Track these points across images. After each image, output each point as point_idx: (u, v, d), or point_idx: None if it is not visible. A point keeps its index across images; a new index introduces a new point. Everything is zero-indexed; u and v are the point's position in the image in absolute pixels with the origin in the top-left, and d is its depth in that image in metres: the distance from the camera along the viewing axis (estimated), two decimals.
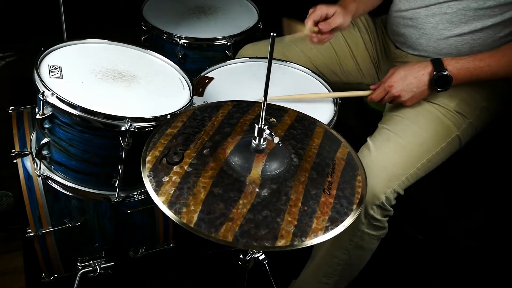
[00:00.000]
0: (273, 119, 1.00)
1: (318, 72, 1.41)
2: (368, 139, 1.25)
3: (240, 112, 1.01)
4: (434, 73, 1.16)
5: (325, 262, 1.28)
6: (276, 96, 1.23)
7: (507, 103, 1.33)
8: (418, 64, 1.19)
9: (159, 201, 0.78)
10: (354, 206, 0.82)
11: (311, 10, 1.26)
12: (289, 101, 1.23)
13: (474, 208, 1.79)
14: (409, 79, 1.18)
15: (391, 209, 1.18)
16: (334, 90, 1.32)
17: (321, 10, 1.24)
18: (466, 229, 1.74)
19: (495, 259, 1.61)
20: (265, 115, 0.82)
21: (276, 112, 1.03)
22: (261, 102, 0.81)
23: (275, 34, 0.74)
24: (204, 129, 0.94)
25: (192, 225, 0.74)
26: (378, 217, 1.17)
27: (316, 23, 1.25)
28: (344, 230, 0.78)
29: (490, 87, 1.28)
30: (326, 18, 1.25)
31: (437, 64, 1.16)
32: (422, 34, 1.29)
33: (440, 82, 1.17)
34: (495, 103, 1.30)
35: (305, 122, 1.02)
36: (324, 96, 1.32)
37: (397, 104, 1.28)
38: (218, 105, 1.02)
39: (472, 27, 1.21)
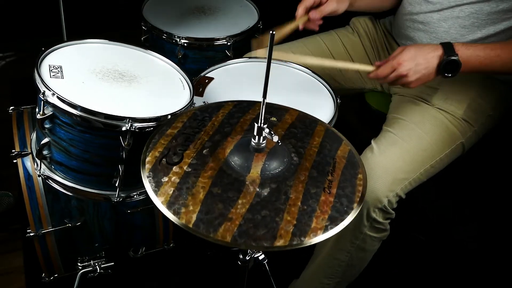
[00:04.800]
0: (273, 118, 1.00)
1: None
2: (372, 141, 1.24)
3: (241, 111, 1.01)
4: (445, 57, 1.10)
5: (327, 264, 1.28)
6: (280, 54, 1.19)
7: (510, 110, 1.33)
8: (428, 45, 1.14)
9: (158, 202, 0.78)
10: (355, 205, 0.81)
11: None
12: (287, 95, 1.22)
13: (478, 211, 1.79)
14: (418, 59, 1.12)
15: (393, 212, 1.18)
16: (336, 95, 1.28)
17: None
18: (468, 232, 1.74)
19: (497, 262, 1.61)
20: (265, 114, 0.82)
21: (276, 111, 1.03)
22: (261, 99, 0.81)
23: (274, 32, 0.74)
24: (204, 129, 0.94)
25: (190, 225, 0.74)
26: (380, 220, 1.17)
27: (307, 10, 1.22)
28: (346, 232, 0.78)
29: (497, 95, 1.28)
30: (319, 4, 1.22)
31: (448, 48, 1.11)
32: (433, 38, 1.25)
33: (449, 67, 1.11)
34: (499, 111, 1.30)
35: (306, 121, 1.01)
36: (325, 62, 1.26)
37: (400, 105, 1.27)
38: (219, 105, 1.02)
39: (485, 32, 1.19)
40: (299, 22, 1.22)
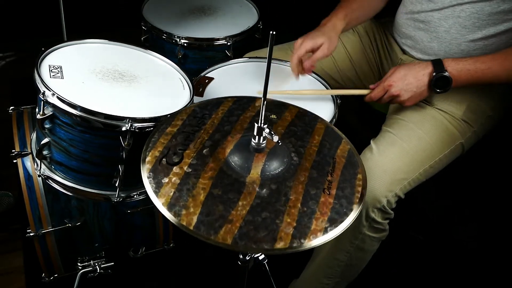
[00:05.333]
0: (273, 116, 1.00)
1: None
2: (371, 142, 1.25)
3: (241, 109, 1.00)
4: (434, 74, 1.14)
5: (326, 264, 1.28)
6: (274, 90, 1.22)
7: (510, 111, 1.33)
8: (418, 64, 1.18)
9: (159, 203, 0.77)
10: (354, 206, 0.81)
11: (297, 43, 1.24)
12: (287, 98, 1.23)
13: (478, 211, 1.79)
14: (408, 78, 1.17)
15: (392, 212, 1.19)
16: (336, 96, 1.29)
17: (305, 46, 1.22)
18: (468, 232, 1.74)
19: (497, 262, 1.61)
20: (265, 111, 0.82)
21: (276, 108, 1.03)
22: (261, 97, 0.80)
23: (274, 33, 0.74)
24: (204, 127, 0.93)
25: (191, 228, 0.74)
26: (379, 220, 1.17)
27: (300, 59, 1.24)
28: (346, 232, 0.78)
29: (497, 96, 1.28)
30: (312, 51, 1.24)
31: (438, 64, 1.15)
32: (434, 37, 1.26)
33: (439, 83, 1.15)
34: (499, 112, 1.30)
35: (306, 119, 1.01)
36: (321, 93, 1.31)
37: (400, 106, 1.28)
38: (219, 102, 1.02)
39: (485, 32, 1.18)
40: (293, 71, 1.25)
